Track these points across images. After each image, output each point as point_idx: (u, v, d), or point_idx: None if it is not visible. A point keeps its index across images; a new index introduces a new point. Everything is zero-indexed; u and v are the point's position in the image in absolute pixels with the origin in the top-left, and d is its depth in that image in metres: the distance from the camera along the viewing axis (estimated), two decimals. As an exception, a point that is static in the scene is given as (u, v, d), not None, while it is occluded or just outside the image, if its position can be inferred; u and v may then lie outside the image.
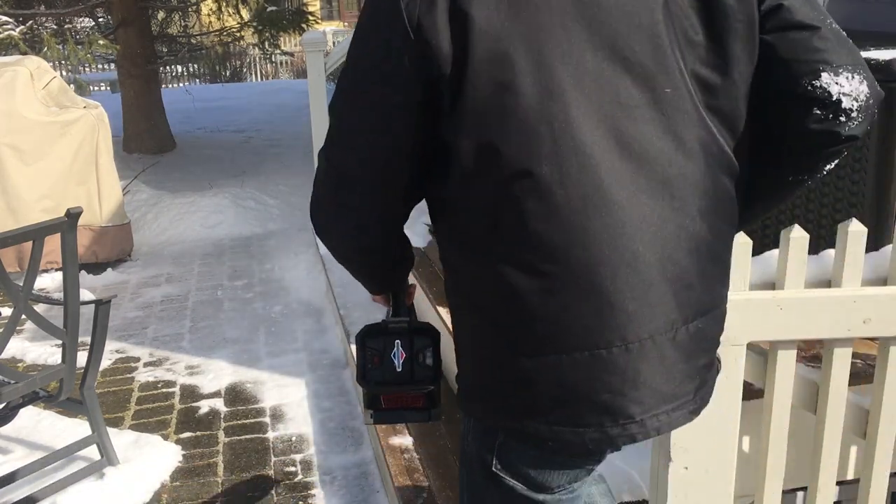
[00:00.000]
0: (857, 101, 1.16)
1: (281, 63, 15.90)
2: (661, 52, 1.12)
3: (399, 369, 1.38)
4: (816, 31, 1.16)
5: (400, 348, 1.38)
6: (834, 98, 1.15)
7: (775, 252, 1.49)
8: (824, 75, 1.15)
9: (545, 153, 1.09)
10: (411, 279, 1.55)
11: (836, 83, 1.16)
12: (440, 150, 1.16)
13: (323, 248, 4.62)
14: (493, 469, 1.30)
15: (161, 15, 9.46)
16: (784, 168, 1.26)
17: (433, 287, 3.24)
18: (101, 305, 2.76)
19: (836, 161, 1.23)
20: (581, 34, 1.10)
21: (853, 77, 1.16)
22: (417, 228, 3.91)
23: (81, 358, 2.75)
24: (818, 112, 1.16)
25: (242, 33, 9.27)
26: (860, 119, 1.17)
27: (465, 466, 1.40)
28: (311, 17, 8.81)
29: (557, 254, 1.11)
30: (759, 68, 1.18)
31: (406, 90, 1.12)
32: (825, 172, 1.24)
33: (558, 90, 1.09)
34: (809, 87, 1.16)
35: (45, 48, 6.54)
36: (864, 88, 1.17)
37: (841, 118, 1.16)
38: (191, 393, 3.61)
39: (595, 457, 1.30)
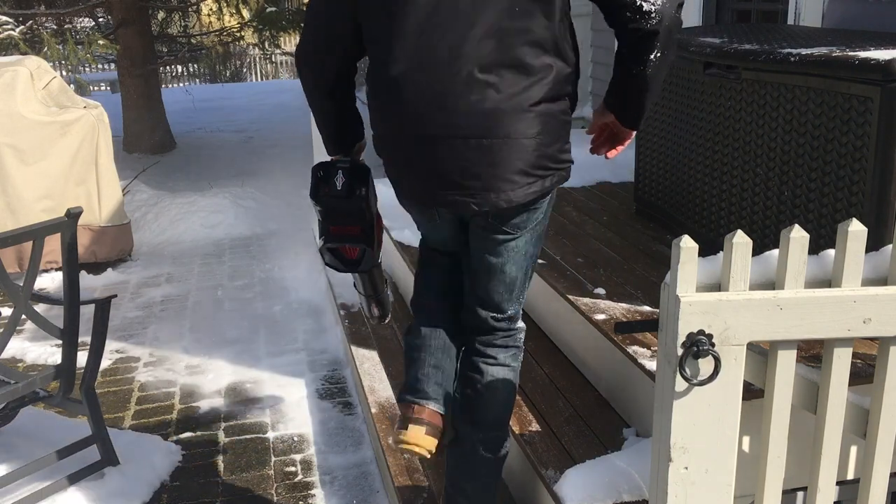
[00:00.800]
0: (654, 6, 1.66)
1: (281, 63, 15.90)
2: None
3: (339, 188, 1.96)
4: None
5: (342, 175, 1.96)
6: (637, 3, 1.66)
7: (775, 252, 1.49)
8: None
9: (396, 15, 1.74)
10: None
11: None
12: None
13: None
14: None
15: (161, 15, 9.47)
16: (627, 62, 1.77)
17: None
18: (101, 305, 2.76)
19: (654, 52, 1.72)
20: None
21: None
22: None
23: (81, 358, 2.76)
24: (629, 14, 1.68)
25: (242, 33, 9.29)
26: (658, 18, 1.67)
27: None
28: (311, 17, 8.79)
29: (392, 70, 1.76)
30: None
31: None
32: (652, 61, 1.74)
33: None
34: None
35: (45, 48, 6.55)
36: None
37: (644, 18, 1.67)
38: (191, 393, 3.62)
39: (422, 207, 1.95)
